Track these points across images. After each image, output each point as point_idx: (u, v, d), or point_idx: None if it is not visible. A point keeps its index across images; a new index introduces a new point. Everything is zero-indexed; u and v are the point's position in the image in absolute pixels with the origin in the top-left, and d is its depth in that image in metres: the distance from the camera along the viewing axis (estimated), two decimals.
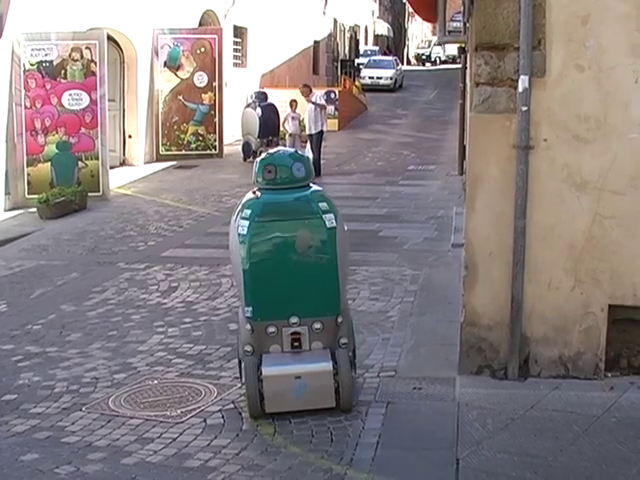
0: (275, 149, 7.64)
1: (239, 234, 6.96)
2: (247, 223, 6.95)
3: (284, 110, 23.30)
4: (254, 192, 7.23)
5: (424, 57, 74.33)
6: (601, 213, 7.32)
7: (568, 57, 7.25)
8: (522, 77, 7.22)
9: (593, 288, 7.41)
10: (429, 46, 75.54)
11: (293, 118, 22.45)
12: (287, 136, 22.62)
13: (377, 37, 71.43)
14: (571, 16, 7.21)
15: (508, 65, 7.35)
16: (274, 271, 7.02)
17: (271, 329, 7.05)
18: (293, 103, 22.74)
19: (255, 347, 7.07)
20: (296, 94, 23.77)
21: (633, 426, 6.59)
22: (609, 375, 7.55)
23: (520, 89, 7.24)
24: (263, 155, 7.54)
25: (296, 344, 7.13)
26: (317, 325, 7.12)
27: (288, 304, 7.07)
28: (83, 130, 18.64)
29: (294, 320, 7.07)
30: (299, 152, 8.30)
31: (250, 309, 7.02)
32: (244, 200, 7.25)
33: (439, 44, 62.76)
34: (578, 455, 6.12)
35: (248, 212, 7.01)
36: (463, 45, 18.88)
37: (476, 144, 7.64)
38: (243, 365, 7.16)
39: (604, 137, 7.28)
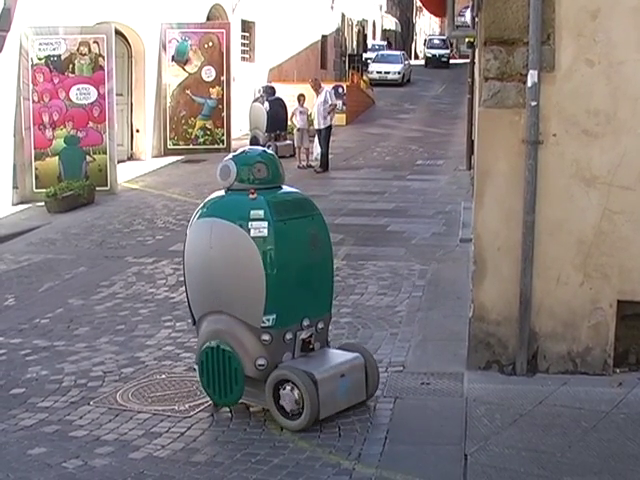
0: (240, 149, 7.31)
1: (255, 237, 6.55)
2: (265, 224, 6.58)
3: (292, 104, 23.28)
4: (252, 192, 6.74)
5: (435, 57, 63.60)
6: (610, 208, 7.30)
7: (578, 52, 7.23)
8: (531, 72, 7.21)
9: (602, 283, 7.39)
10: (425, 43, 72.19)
11: (301, 112, 22.42)
12: (295, 130, 22.60)
13: (385, 32, 71.32)
14: (580, 10, 7.19)
15: (517, 60, 7.34)
16: (295, 272, 6.78)
17: (289, 336, 6.79)
18: (301, 97, 22.72)
19: (269, 360, 6.73)
20: (304, 88, 23.77)
21: None
22: (618, 371, 7.54)
23: (529, 84, 7.23)
24: (239, 155, 7.09)
25: (310, 347, 6.97)
26: (320, 325, 7.05)
27: (301, 306, 6.87)
28: (91, 124, 18.68)
29: (306, 323, 6.89)
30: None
31: (273, 317, 6.63)
32: (228, 201, 6.91)
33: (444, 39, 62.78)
34: (586, 451, 6.11)
35: (261, 212, 6.61)
36: (472, 40, 18.83)
37: (485, 139, 7.62)
38: (266, 384, 6.71)
39: (614, 132, 7.26)
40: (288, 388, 6.58)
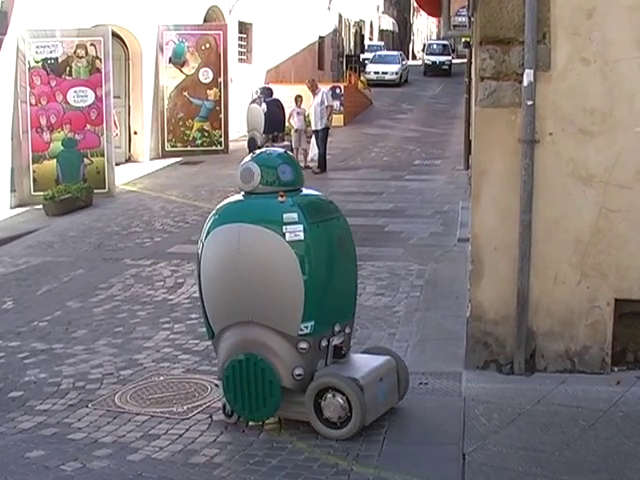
0: (263, 150, 7.08)
1: (291, 241, 6.29)
2: (301, 227, 6.31)
3: (289, 106, 23.29)
4: (282, 195, 6.45)
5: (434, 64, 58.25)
6: (607, 207, 7.31)
7: (573, 50, 7.24)
8: (527, 71, 7.21)
9: (599, 282, 7.39)
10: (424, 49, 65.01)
11: (298, 113, 22.42)
12: (293, 132, 22.60)
13: (382, 32, 71.32)
14: (576, 9, 7.20)
15: (513, 59, 7.34)
16: (328, 277, 6.55)
17: (324, 343, 6.55)
18: (298, 99, 22.72)
19: (306, 369, 6.47)
20: (301, 89, 23.78)
21: (639, 420, 6.57)
22: (615, 369, 7.54)
23: (525, 83, 7.23)
24: (261, 157, 6.79)
25: (342, 353, 6.76)
26: (347, 330, 6.83)
27: (333, 312, 6.64)
28: (88, 127, 18.69)
29: (337, 328, 6.66)
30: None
31: (311, 324, 6.37)
32: (255, 204, 6.58)
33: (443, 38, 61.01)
34: (584, 450, 6.11)
35: (294, 215, 6.33)
36: (468, 39, 18.85)
37: (481, 138, 7.63)
38: (307, 394, 6.47)
39: (610, 130, 7.26)
40: (330, 396, 6.38)
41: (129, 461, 6.24)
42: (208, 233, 6.68)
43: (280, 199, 6.45)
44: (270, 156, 6.86)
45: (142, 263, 12.54)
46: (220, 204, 6.88)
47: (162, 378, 7.94)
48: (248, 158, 6.82)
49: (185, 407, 7.22)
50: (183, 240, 14.13)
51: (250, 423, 6.76)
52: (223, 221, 6.62)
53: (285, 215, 6.36)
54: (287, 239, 6.30)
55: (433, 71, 56.01)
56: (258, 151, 7.02)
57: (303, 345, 6.41)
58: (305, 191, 6.81)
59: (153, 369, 8.20)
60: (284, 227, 6.32)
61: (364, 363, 6.79)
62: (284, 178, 6.61)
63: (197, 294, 10.51)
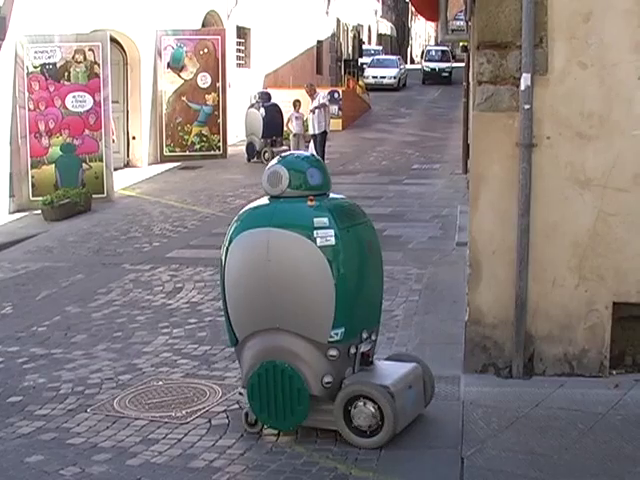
0: (291, 152, 6.88)
1: (322, 246, 6.15)
2: (332, 232, 6.18)
3: (288, 110, 23.31)
4: (311, 199, 6.31)
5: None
6: (605, 210, 7.32)
7: (570, 54, 7.25)
8: (524, 75, 7.22)
9: (597, 285, 7.40)
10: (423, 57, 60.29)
11: (297, 118, 22.45)
12: (291, 136, 22.62)
13: (380, 36, 71.38)
14: (573, 13, 7.21)
15: (510, 63, 7.35)
16: (358, 282, 6.42)
17: (352, 350, 6.42)
18: (297, 103, 22.74)
19: (335, 376, 6.34)
20: (300, 94, 23.80)
21: (638, 424, 6.57)
22: (614, 373, 7.54)
23: (522, 87, 7.24)
24: (289, 160, 6.65)
25: (369, 360, 6.67)
26: (374, 337, 6.70)
27: (362, 318, 6.51)
28: (87, 132, 18.69)
29: (365, 335, 6.52)
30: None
31: (341, 330, 6.23)
32: (285, 209, 6.41)
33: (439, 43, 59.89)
34: (583, 453, 6.11)
35: (325, 220, 6.20)
36: (466, 44, 18.88)
37: (479, 142, 7.64)
38: (336, 402, 6.34)
39: (607, 134, 7.28)
40: (361, 404, 6.26)
41: (128, 466, 6.24)
42: (233, 238, 6.51)
43: (310, 203, 6.31)
44: (298, 159, 6.76)
45: (141, 268, 12.55)
46: (244, 209, 6.71)
47: (161, 383, 7.94)
48: (274, 161, 6.67)
49: (184, 412, 7.22)
50: (182, 245, 14.15)
51: (246, 431, 6.76)
52: (249, 226, 6.46)
53: (316, 219, 6.23)
54: (318, 244, 6.17)
55: (433, 79, 53.17)
56: (285, 154, 6.89)
57: (333, 352, 6.28)
58: (333, 195, 6.71)
59: (152, 374, 8.20)
60: (315, 232, 6.19)
61: (392, 370, 6.68)
62: (313, 182, 6.49)
63: (195, 299, 10.68)
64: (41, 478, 6.09)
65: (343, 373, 6.41)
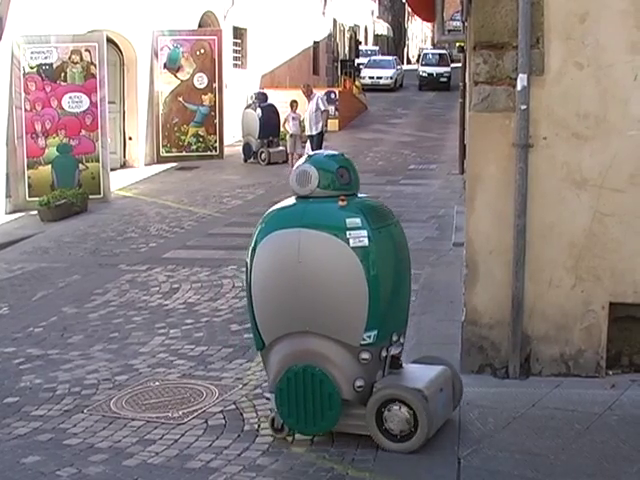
0: (319, 152, 6.83)
1: (355, 247, 6.02)
2: (365, 233, 6.04)
3: (284, 111, 23.31)
4: (342, 199, 6.19)
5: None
6: (601, 211, 7.32)
7: (567, 55, 7.26)
8: (521, 75, 7.23)
9: (594, 286, 7.40)
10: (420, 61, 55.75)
11: (293, 118, 22.44)
12: (288, 137, 22.62)
13: (377, 37, 71.42)
14: (569, 14, 7.22)
15: (507, 64, 7.36)
16: (391, 284, 6.29)
17: (384, 353, 6.30)
18: (294, 104, 22.74)
19: (367, 380, 6.21)
20: (296, 95, 23.81)
21: (635, 424, 6.58)
22: (610, 373, 7.55)
23: (519, 87, 7.25)
24: (318, 159, 6.56)
25: (399, 363, 6.55)
26: (402, 339, 6.56)
27: (393, 320, 6.37)
28: (83, 132, 18.69)
29: (395, 338, 6.40)
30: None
31: (374, 333, 6.11)
32: (315, 209, 6.26)
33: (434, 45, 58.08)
34: (579, 453, 6.11)
35: (357, 221, 6.07)
36: (462, 44, 18.89)
37: (475, 143, 7.64)
38: (368, 406, 6.19)
39: (604, 134, 7.28)
40: (396, 408, 6.12)
41: (125, 466, 6.24)
42: (259, 240, 6.35)
43: (341, 203, 6.18)
44: (327, 158, 6.61)
45: (137, 269, 12.54)
46: (269, 210, 6.55)
47: (158, 383, 7.94)
48: (302, 161, 6.57)
49: (181, 412, 7.21)
50: (178, 245, 14.15)
51: (243, 431, 6.77)
52: (278, 227, 6.31)
53: (348, 220, 6.09)
54: (351, 245, 6.03)
55: (430, 84, 49.77)
56: (313, 152, 6.71)
57: (365, 355, 6.15)
58: (361, 195, 6.58)
59: (149, 374, 8.20)
60: (347, 232, 6.05)
61: (422, 373, 6.55)
62: (342, 181, 6.37)
63: (191, 300, 10.68)
64: (38, 479, 6.09)
65: (374, 376, 6.28)
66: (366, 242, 6.04)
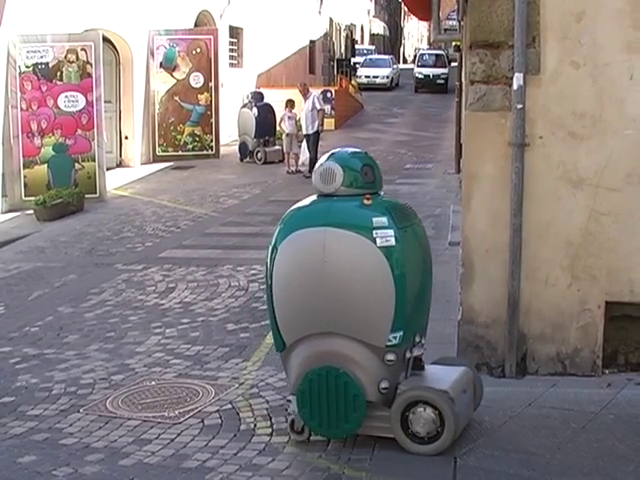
0: (342, 149, 6.56)
1: (382, 247, 5.91)
2: (392, 232, 5.94)
3: (280, 110, 23.29)
4: (368, 197, 6.09)
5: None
6: (597, 210, 7.32)
7: (563, 54, 7.25)
8: (517, 75, 7.23)
9: (590, 285, 7.40)
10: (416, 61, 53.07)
11: (290, 118, 22.41)
12: (284, 136, 22.59)
13: (373, 36, 71.41)
14: (565, 13, 7.22)
15: (503, 63, 7.35)
16: (416, 284, 6.23)
17: (408, 354, 6.19)
18: (289, 103, 22.72)
19: (391, 381, 6.11)
20: (293, 94, 23.80)
21: (631, 423, 6.58)
22: (606, 372, 7.55)
23: (515, 87, 7.24)
24: (342, 157, 6.38)
25: (421, 364, 6.44)
26: (423, 340, 6.43)
27: (416, 320, 6.29)
28: (79, 132, 18.69)
29: (418, 339, 6.31)
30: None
31: (400, 334, 6.02)
32: (340, 207, 6.13)
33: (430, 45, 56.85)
34: (576, 452, 6.11)
35: (384, 220, 5.97)
36: (459, 43, 18.90)
37: (472, 142, 7.64)
38: (393, 408, 6.09)
39: (600, 134, 7.28)
40: (421, 410, 6.04)
41: (121, 466, 6.23)
42: (281, 239, 6.23)
43: (366, 202, 6.08)
44: (352, 156, 6.46)
45: (134, 268, 12.54)
46: (288, 210, 6.42)
47: (154, 383, 7.93)
48: (324, 158, 6.41)
49: (177, 412, 7.21)
50: (175, 245, 14.14)
51: (239, 431, 6.76)
52: (301, 225, 6.19)
53: (374, 219, 5.99)
54: (378, 244, 5.92)
55: (426, 87, 47.70)
56: (335, 150, 6.56)
57: (390, 357, 6.05)
58: (383, 194, 6.45)
59: (145, 374, 8.20)
60: (374, 232, 5.94)
61: (444, 374, 6.45)
62: (366, 180, 6.26)
63: (187, 299, 10.67)
64: (34, 479, 6.08)
65: (398, 378, 6.18)
66: (393, 242, 5.94)
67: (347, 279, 6.01)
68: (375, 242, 5.93)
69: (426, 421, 6.05)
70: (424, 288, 6.44)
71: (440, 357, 7.00)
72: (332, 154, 6.44)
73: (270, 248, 6.31)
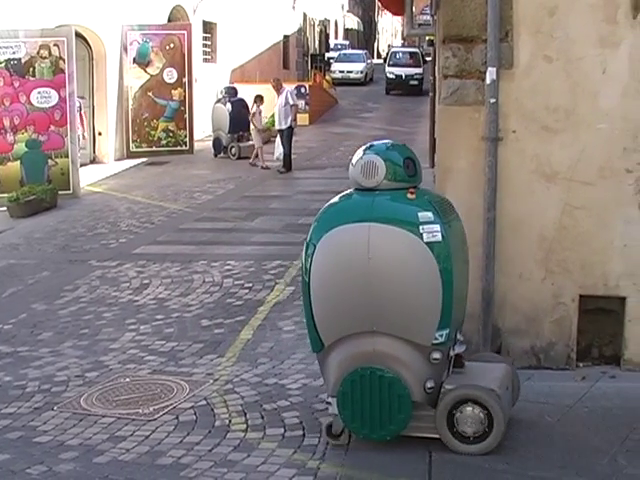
0: (382, 142, 6.35)
1: (429, 242, 5.75)
2: (438, 227, 5.77)
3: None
4: (412, 191, 5.91)
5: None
6: (571, 203, 7.34)
7: (536, 48, 7.27)
8: (490, 69, 7.24)
9: (564, 278, 7.43)
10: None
11: (260, 113, 22.50)
12: (254, 131, 22.48)
13: (347, 31, 71.42)
14: (538, 8, 7.23)
15: (476, 57, 7.37)
16: (461, 280, 6.10)
17: (451, 352, 6.07)
18: (258, 98, 22.66)
19: (436, 380, 5.98)
20: (266, 89, 23.78)
21: (605, 416, 6.62)
22: (581, 365, 7.59)
23: (488, 81, 7.26)
24: (383, 149, 6.19)
25: (462, 362, 6.30)
26: (461, 337, 6.28)
27: (458, 318, 6.14)
28: (52, 128, 18.54)
29: (459, 337, 6.18)
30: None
31: (446, 332, 5.87)
32: (383, 202, 5.95)
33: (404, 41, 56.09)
34: (551, 446, 6.14)
35: (429, 215, 5.80)
36: (432, 38, 18.91)
37: (445, 136, 7.66)
38: (439, 408, 5.98)
39: (573, 127, 7.31)
40: (469, 409, 5.92)
41: (95, 463, 6.21)
42: (318, 236, 6.05)
43: (410, 196, 5.90)
44: (392, 149, 6.25)
45: (108, 264, 12.47)
46: (324, 206, 6.28)
47: (128, 380, 7.90)
48: (361, 152, 6.21)
49: (151, 408, 7.19)
50: (149, 241, 14.08)
51: (214, 427, 6.75)
52: (342, 221, 6.00)
53: (420, 214, 5.81)
54: (425, 240, 5.76)
55: (398, 88, 44.04)
56: (373, 143, 6.36)
57: (436, 355, 5.91)
58: (423, 188, 6.22)
59: (119, 371, 8.16)
60: (420, 227, 5.77)
61: (486, 372, 6.32)
62: (408, 173, 6.07)
63: (162, 295, 10.63)
64: (7, 477, 6.05)
65: (442, 376, 6.05)
66: (439, 237, 5.77)
67: (393, 276, 5.84)
68: (422, 238, 5.77)
69: (474, 420, 5.95)
70: (465, 284, 6.34)
71: (477, 354, 6.92)
72: (370, 146, 6.25)
73: (305, 245, 6.16)
